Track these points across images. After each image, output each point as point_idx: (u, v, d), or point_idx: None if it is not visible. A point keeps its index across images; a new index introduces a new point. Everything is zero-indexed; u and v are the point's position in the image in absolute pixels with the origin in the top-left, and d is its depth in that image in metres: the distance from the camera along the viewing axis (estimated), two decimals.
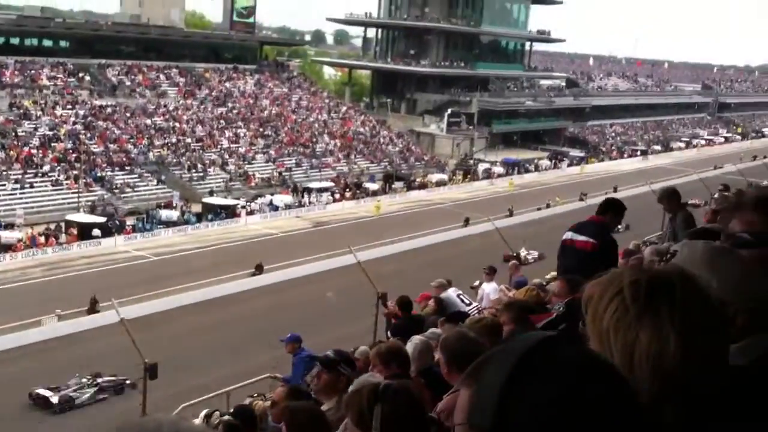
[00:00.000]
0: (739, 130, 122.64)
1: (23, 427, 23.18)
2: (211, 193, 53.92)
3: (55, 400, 23.77)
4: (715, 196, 13.71)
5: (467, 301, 10.97)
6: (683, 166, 71.83)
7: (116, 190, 51.36)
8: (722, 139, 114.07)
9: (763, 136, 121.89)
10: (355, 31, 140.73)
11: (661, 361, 1.25)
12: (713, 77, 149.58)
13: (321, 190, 58.20)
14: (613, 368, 1.08)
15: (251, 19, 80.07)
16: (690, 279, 1.34)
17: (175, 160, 57.60)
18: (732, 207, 2.14)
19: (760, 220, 2.08)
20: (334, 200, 57.63)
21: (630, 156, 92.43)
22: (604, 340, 1.29)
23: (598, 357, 1.10)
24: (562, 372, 0.98)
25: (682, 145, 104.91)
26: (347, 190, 60.19)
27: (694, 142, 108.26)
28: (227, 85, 72.19)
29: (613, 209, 6.88)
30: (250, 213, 51.96)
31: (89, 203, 48.46)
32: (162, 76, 68.97)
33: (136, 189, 52.72)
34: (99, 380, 24.88)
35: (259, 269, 38.67)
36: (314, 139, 68.99)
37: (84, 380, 24.73)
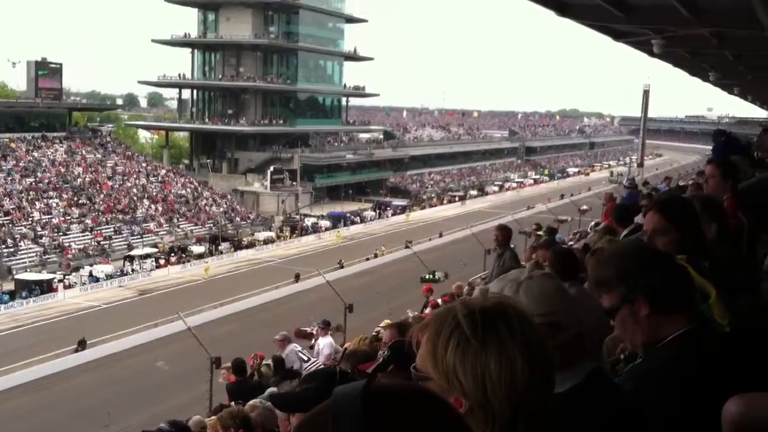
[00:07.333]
0: (546, 171, 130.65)
1: None
2: (10, 271, 50.36)
3: None
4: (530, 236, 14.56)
5: (305, 358, 10.98)
6: (499, 209, 75.43)
7: None
8: (531, 181, 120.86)
9: (568, 175, 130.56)
10: (170, 93, 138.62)
11: (513, 384, 1.28)
12: (519, 123, 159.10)
13: (144, 257, 56.18)
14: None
15: (58, 85, 76.65)
16: (514, 305, 1.40)
17: None
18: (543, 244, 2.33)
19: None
20: (159, 266, 55.78)
21: (450, 202, 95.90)
22: (451, 377, 1.30)
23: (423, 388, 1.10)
24: (413, 407, 1.00)
25: (496, 188, 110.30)
26: (172, 254, 58.49)
27: (507, 185, 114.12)
28: (35, 154, 68.44)
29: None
30: (69, 287, 49.22)
31: None
32: None
33: None
34: None
35: (81, 345, 36.42)
36: (133, 205, 66.72)
37: None
